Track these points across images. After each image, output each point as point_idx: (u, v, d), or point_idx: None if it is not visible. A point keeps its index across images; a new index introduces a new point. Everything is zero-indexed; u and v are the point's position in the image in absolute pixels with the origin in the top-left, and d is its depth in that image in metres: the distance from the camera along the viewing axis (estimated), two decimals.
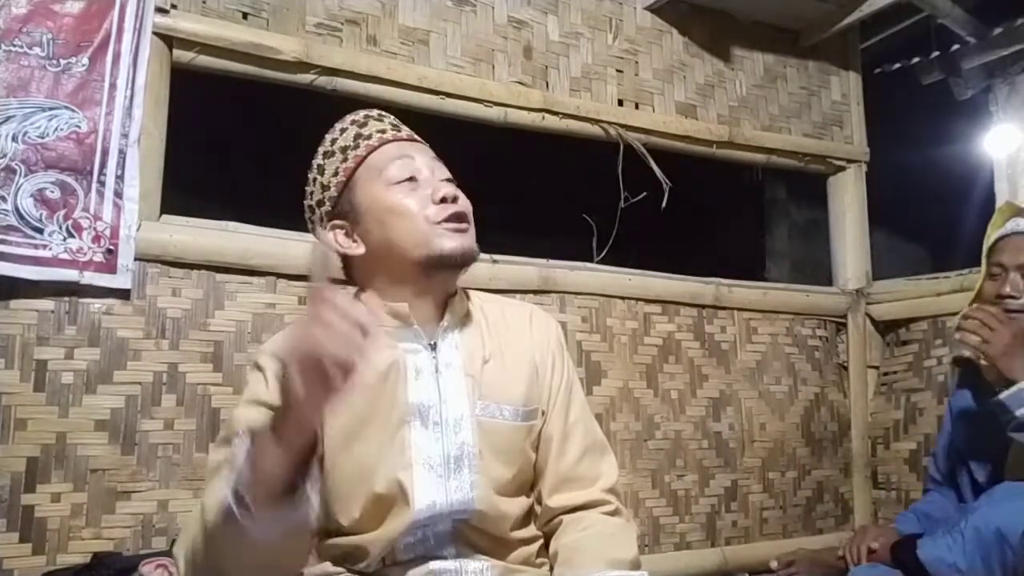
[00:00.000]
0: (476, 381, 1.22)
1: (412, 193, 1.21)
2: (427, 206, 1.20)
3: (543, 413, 1.28)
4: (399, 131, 1.28)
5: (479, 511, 1.17)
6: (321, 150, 1.28)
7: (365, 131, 1.26)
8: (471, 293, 1.35)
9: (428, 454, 1.17)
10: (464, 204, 1.24)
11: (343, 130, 1.28)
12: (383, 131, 1.26)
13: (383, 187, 1.21)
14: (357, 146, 1.25)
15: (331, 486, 1.15)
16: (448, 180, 1.25)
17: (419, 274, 1.21)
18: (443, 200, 1.20)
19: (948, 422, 2.02)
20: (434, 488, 1.15)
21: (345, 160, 1.24)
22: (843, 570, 1.90)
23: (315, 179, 1.28)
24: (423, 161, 1.25)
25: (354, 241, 1.24)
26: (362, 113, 1.31)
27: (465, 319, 1.28)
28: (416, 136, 1.31)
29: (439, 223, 1.19)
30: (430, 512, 1.15)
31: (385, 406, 1.17)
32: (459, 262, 1.22)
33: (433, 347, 1.23)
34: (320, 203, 1.27)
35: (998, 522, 1.53)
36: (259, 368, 1.19)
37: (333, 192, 1.25)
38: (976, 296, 1.93)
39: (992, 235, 1.93)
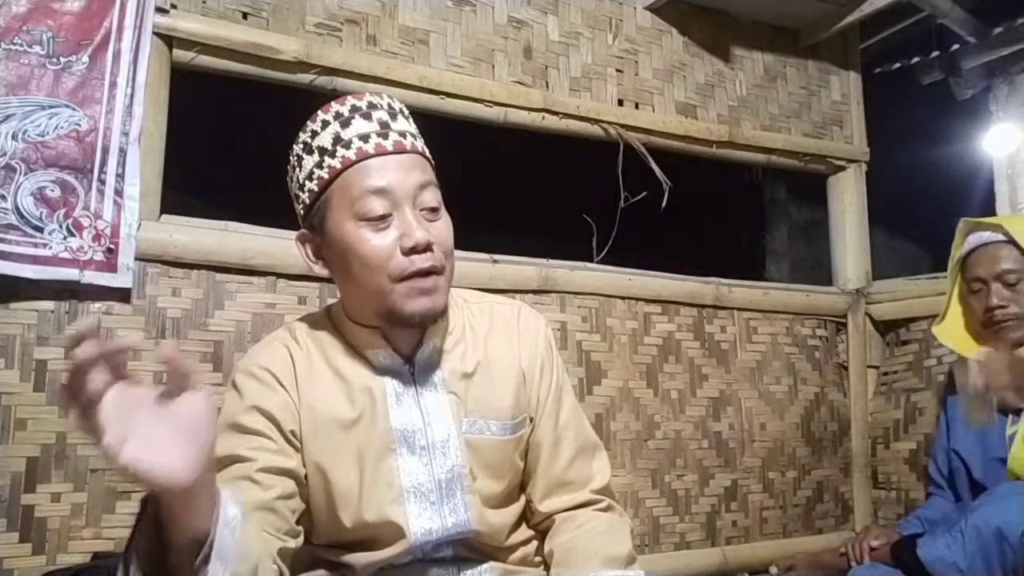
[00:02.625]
0: (460, 398, 1.18)
1: (381, 235, 1.08)
2: (394, 255, 1.08)
3: (531, 420, 1.24)
4: (385, 137, 1.11)
5: (475, 531, 1.15)
6: (301, 137, 1.16)
7: (346, 134, 1.11)
8: (458, 297, 1.27)
9: (419, 482, 1.13)
10: (438, 254, 1.10)
11: (324, 123, 1.13)
12: (366, 137, 1.10)
13: (352, 221, 1.09)
14: (334, 153, 1.10)
15: (315, 511, 1.14)
16: (431, 210, 1.12)
17: (378, 319, 1.14)
18: (413, 250, 1.08)
19: (944, 422, 2.02)
20: (428, 516, 1.13)
21: (320, 166, 1.11)
22: (843, 570, 1.90)
23: (293, 168, 1.17)
24: (404, 190, 1.09)
25: (321, 259, 1.17)
26: (349, 103, 1.14)
27: (447, 333, 1.21)
28: (405, 141, 1.13)
29: (403, 280, 1.08)
30: (426, 539, 1.13)
31: (364, 434, 1.13)
32: (418, 323, 1.12)
33: (412, 367, 1.17)
34: (297, 198, 1.18)
35: (998, 521, 1.53)
36: (235, 387, 1.13)
37: (306, 199, 1.15)
38: (945, 312, 1.94)
39: (957, 254, 1.94)
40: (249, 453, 1.06)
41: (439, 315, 1.14)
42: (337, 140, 1.11)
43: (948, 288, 1.97)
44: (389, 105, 1.16)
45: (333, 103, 1.16)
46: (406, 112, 1.19)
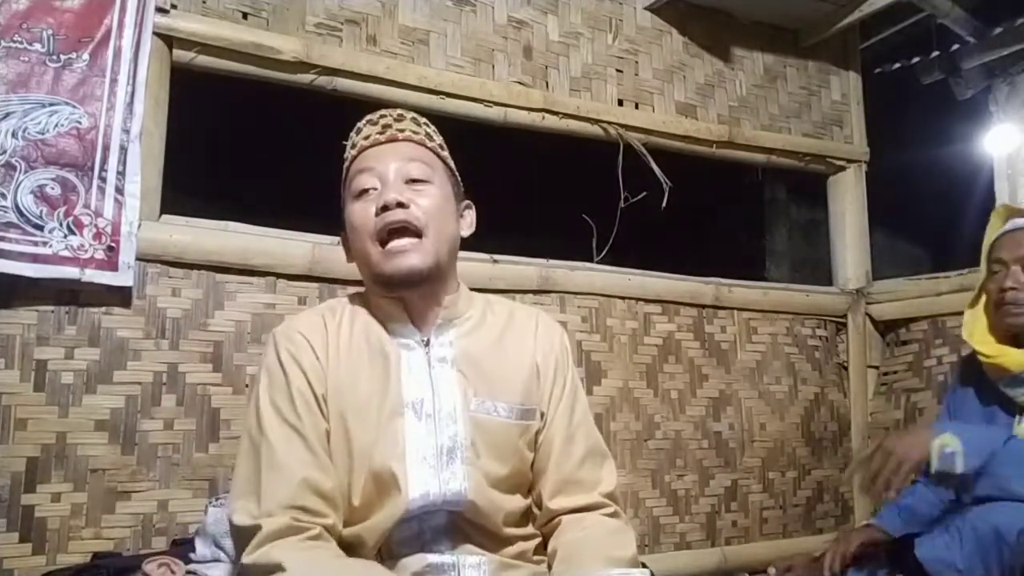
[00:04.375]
0: (470, 378, 1.23)
1: (366, 204, 1.20)
2: (373, 218, 1.19)
3: (542, 415, 1.27)
4: (383, 132, 1.25)
5: (471, 502, 1.17)
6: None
7: (357, 138, 1.27)
8: (480, 298, 1.35)
9: (421, 445, 1.18)
10: (415, 213, 1.18)
11: (349, 137, 1.29)
12: (367, 136, 1.25)
13: (350, 200, 1.23)
14: (347, 157, 1.27)
15: (341, 462, 1.17)
16: (414, 180, 1.21)
17: (383, 287, 1.22)
18: (385, 208, 1.17)
19: (946, 418, 1.99)
20: (426, 478, 1.16)
21: (342, 168, 1.28)
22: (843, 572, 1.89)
23: None
24: (391, 166, 1.21)
25: (348, 251, 1.29)
26: (367, 117, 1.29)
27: (465, 317, 1.28)
28: (400, 134, 1.25)
29: (378, 242, 1.18)
30: (423, 501, 1.15)
31: (379, 397, 1.19)
32: (401, 283, 1.20)
33: (427, 343, 1.24)
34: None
35: (996, 521, 1.52)
36: (275, 346, 1.21)
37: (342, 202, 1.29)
38: (976, 297, 1.92)
39: (991, 235, 1.92)
40: (295, 420, 1.14)
41: (422, 275, 1.19)
42: (352, 145, 1.27)
43: (983, 273, 1.93)
44: (400, 114, 1.28)
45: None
46: (421, 120, 1.30)
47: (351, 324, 1.25)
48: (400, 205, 1.17)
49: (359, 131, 1.27)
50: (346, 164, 1.27)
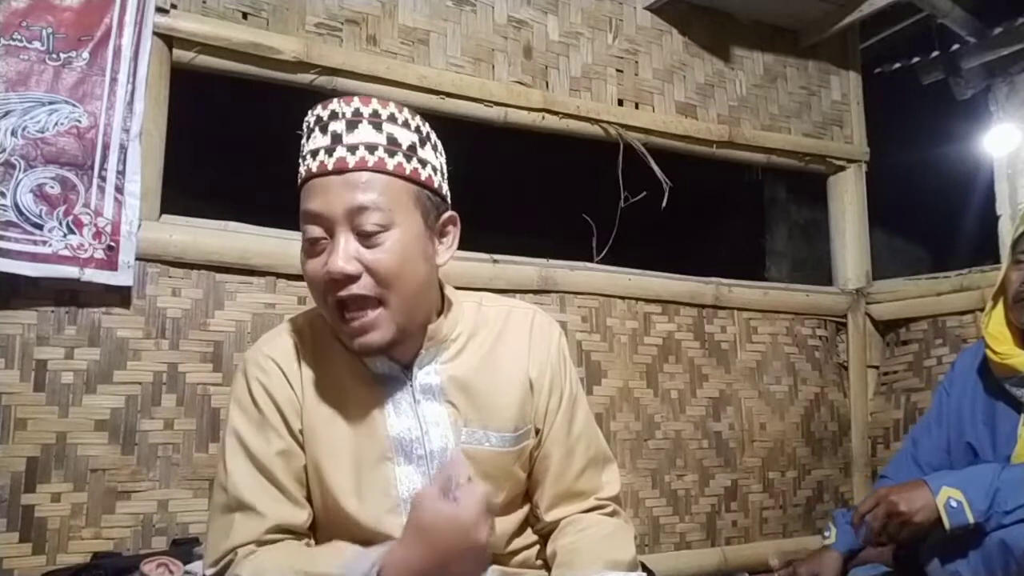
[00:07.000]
0: (459, 407, 1.16)
1: (315, 260, 1.06)
2: (324, 281, 1.05)
3: (537, 431, 1.22)
4: (330, 154, 1.04)
5: None
6: None
7: (306, 147, 1.08)
8: (472, 301, 1.25)
9: (417, 491, 1.11)
10: (367, 282, 1.04)
11: (303, 133, 1.11)
12: (315, 153, 1.05)
13: (303, 240, 1.08)
14: (298, 166, 1.09)
15: (317, 509, 1.14)
16: (366, 235, 1.03)
17: None
18: (333, 281, 1.03)
19: (941, 412, 1.93)
20: None
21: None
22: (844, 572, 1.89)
23: None
24: (336, 214, 1.03)
25: None
26: (316, 113, 1.08)
27: (451, 340, 1.18)
28: (350, 158, 1.04)
29: (334, 310, 1.07)
30: None
31: (361, 440, 1.12)
32: (368, 355, 1.12)
33: (410, 376, 1.15)
34: None
35: (1002, 533, 1.51)
36: (245, 375, 1.15)
37: None
38: (998, 288, 1.87)
39: (1021, 227, 1.86)
40: (266, 458, 1.10)
41: (385, 346, 1.08)
42: (303, 156, 1.09)
43: (1006, 262, 1.87)
44: (355, 111, 1.06)
45: (313, 108, 1.10)
46: (383, 115, 1.07)
47: (326, 353, 1.15)
48: (349, 278, 1.03)
49: (310, 134, 1.07)
50: (298, 179, 1.09)
